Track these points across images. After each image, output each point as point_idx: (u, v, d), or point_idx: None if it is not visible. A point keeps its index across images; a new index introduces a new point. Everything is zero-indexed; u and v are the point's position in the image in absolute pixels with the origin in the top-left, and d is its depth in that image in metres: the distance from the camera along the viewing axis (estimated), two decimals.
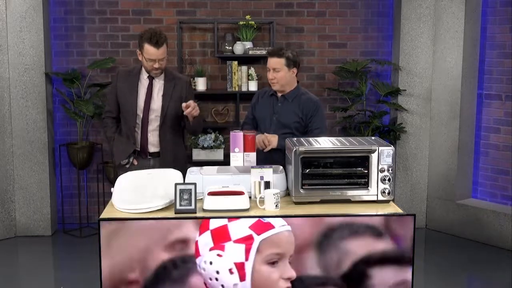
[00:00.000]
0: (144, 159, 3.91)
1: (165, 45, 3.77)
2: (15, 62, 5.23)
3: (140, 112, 3.85)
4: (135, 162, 3.89)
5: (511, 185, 5.32)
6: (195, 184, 2.78)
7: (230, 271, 2.45)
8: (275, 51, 3.80)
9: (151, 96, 3.85)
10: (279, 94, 3.85)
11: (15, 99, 5.26)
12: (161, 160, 3.87)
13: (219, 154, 5.43)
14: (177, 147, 3.99)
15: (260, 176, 2.97)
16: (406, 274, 2.55)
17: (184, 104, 3.69)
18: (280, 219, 2.49)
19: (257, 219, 2.48)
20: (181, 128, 4.01)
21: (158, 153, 3.91)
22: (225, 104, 5.73)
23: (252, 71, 5.52)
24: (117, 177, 3.15)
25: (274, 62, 3.74)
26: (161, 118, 3.85)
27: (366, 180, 2.93)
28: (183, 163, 3.95)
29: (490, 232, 5.25)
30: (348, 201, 2.93)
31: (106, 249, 2.44)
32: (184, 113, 3.70)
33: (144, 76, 3.87)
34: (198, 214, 2.74)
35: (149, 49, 3.72)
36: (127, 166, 3.85)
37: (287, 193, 3.06)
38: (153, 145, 3.90)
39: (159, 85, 3.87)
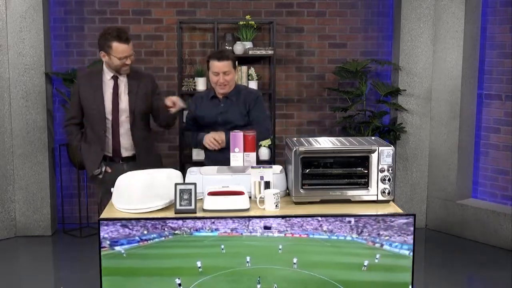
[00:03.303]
0: (117, 163, 3.78)
1: (130, 40, 3.70)
2: (15, 62, 5.23)
3: (109, 115, 3.72)
4: (109, 170, 3.76)
5: (511, 185, 5.32)
6: (195, 184, 2.78)
7: None
8: (222, 55, 3.77)
9: (118, 97, 3.72)
10: (221, 95, 3.85)
11: (15, 99, 5.26)
12: (136, 163, 3.74)
13: None
14: (151, 147, 3.90)
15: (260, 176, 2.97)
16: (406, 274, 2.55)
17: (168, 102, 3.61)
18: None
19: None
20: (151, 127, 3.93)
21: (132, 157, 3.79)
22: None
23: (252, 71, 5.52)
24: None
25: (224, 65, 3.73)
26: (131, 118, 3.73)
27: (366, 180, 2.93)
28: (159, 163, 3.89)
29: (490, 232, 5.26)
30: (348, 201, 2.93)
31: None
32: (171, 110, 3.63)
33: (107, 76, 3.74)
34: (198, 214, 2.74)
35: (119, 47, 3.61)
36: (100, 176, 3.74)
37: (287, 193, 3.06)
38: (126, 148, 3.78)
39: (123, 83, 3.75)
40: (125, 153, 3.79)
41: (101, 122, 3.72)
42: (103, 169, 3.75)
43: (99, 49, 3.71)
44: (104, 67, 3.75)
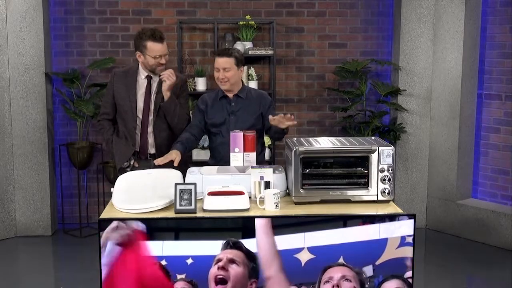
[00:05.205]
0: (144, 160, 3.89)
1: (165, 39, 3.82)
2: (15, 62, 5.23)
3: (140, 114, 3.84)
4: (136, 165, 3.88)
5: (511, 185, 5.32)
6: (195, 184, 2.78)
7: None
8: (224, 51, 3.82)
9: (150, 97, 3.84)
10: (231, 95, 3.85)
11: (15, 99, 5.26)
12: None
13: None
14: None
15: (260, 176, 2.97)
16: (406, 274, 2.55)
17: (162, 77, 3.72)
18: None
19: None
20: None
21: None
22: None
23: (252, 71, 5.52)
24: (117, 178, 3.15)
25: (224, 61, 3.75)
26: (154, 117, 3.83)
27: (366, 180, 2.93)
28: (183, 163, 3.93)
29: (490, 232, 5.25)
30: (348, 201, 2.93)
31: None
32: (161, 77, 3.72)
33: (141, 76, 3.86)
34: (198, 214, 2.74)
35: (154, 46, 3.73)
36: (128, 169, 3.82)
37: (287, 193, 3.06)
38: (153, 146, 3.90)
39: (156, 84, 3.86)
40: (151, 150, 3.90)
41: (132, 119, 3.84)
42: (132, 163, 3.87)
43: (134, 50, 3.84)
44: (140, 66, 3.86)
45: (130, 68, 3.97)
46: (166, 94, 3.76)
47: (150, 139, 3.88)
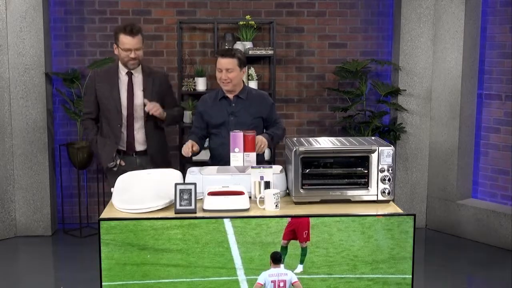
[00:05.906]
0: (130, 156, 3.91)
1: (140, 35, 3.81)
2: (15, 62, 5.23)
3: (124, 110, 3.85)
4: (122, 163, 3.88)
5: (511, 185, 5.32)
6: (195, 184, 2.78)
7: None
8: (227, 52, 3.81)
9: (133, 93, 3.86)
10: (231, 96, 3.84)
11: (15, 99, 5.26)
12: (148, 157, 3.88)
13: None
14: (162, 143, 4.00)
15: (260, 176, 2.97)
16: (406, 274, 2.55)
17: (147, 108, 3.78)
18: None
19: None
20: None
21: (144, 151, 3.91)
22: None
23: (252, 71, 5.52)
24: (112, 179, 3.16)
25: (227, 62, 3.73)
26: (145, 114, 3.86)
27: (366, 180, 2.93)
28: (169, 159, 3.98)
29: (490, 232, 5.25)
30: (348, 201, 2.93)
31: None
32: (149, 112, 3.78)
33: (122, 73, 3.89)
34: (198, 214, 2.74)
35: (124, 38, 3.75)
36: (115, 169, 3.84)
37: (287, 193, 3.06)
38: (140, 143, 3.91)
39: (138, 80, 3.88)
40: (138, 147, 3.92)
41: (117, 117, 3.85)
42: (118, 162, 3.88)
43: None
44: (120, 64, 3.90)
45: (110, 67, 4.02)
46: (162, 116, 3.85)
47: (138, 135, 3.89)
